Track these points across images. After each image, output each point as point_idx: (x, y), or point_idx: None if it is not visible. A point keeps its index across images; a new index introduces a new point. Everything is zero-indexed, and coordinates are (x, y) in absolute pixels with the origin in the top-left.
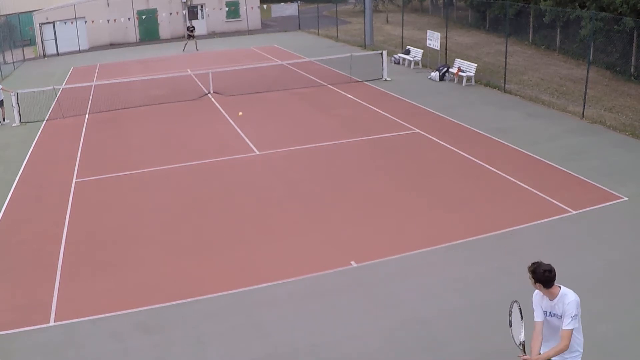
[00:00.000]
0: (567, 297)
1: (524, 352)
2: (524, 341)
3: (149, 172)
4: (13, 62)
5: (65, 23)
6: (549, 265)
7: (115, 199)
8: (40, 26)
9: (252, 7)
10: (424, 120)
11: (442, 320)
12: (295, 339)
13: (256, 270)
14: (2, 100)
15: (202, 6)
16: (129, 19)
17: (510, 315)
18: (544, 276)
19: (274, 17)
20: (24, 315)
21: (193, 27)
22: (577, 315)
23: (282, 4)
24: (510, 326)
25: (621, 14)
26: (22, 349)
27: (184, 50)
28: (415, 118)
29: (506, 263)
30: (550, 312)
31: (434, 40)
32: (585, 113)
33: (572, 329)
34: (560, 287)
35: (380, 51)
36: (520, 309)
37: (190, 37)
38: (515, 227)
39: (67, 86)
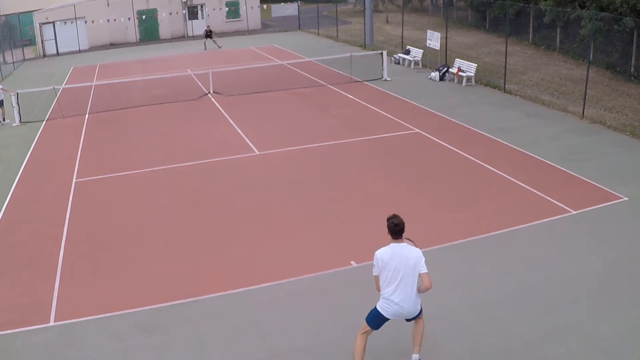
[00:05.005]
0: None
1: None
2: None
3: (149, 172)
4: (13, 62)
5: (65, 23)
6: (399, 219)
7: (115, 199)
8: (40, 26)
9: (252, 7)
10: (424, 120)
11: (441, 320)
12: (295, 339)
13: (256, 270)
14: (2, 100)
15: (202, 6)
16: (129, 19)
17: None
18: (390, 226)
19: (274, 17)
20: (23, 315)
21: (211, 30)
22: (374, 264)
23: (282, 4)
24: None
25: (621, 14)
26: (22, 349)
27: (205, 48)
28: (416, 118)
29: (506, 263)
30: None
31: (434, 40)
32: (585, 113)
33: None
34: (405, 241)
35: (380, 51)
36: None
37: (209, 37)
38: (515, 227)
39: (67, 86)
